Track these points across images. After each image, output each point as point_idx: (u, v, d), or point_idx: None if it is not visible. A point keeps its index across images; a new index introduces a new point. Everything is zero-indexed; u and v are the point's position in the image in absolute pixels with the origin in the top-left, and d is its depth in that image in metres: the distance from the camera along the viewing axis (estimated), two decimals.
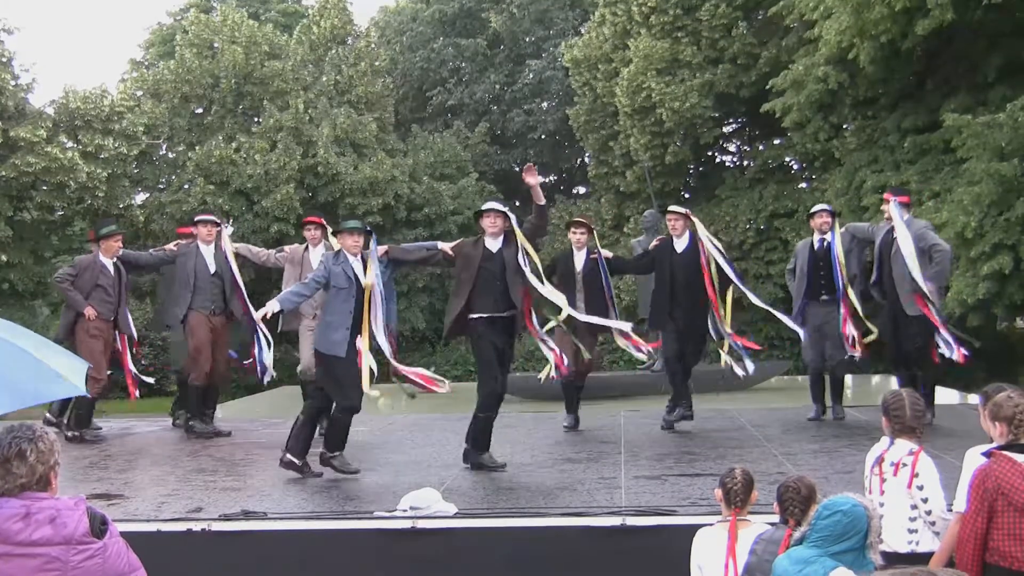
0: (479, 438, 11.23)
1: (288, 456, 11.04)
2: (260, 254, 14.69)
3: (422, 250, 12.06)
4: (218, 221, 14.33)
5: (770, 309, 13.98)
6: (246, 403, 17.55)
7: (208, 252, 13.98)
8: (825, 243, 13.80)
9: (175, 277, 14.09)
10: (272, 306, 11.25)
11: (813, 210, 14.33)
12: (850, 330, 13.49)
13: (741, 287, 13.40)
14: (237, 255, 14.22)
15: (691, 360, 13.63)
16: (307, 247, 14.05)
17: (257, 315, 11.94)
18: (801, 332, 13.79)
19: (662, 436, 13.38)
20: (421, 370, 11.52)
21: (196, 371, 13.90)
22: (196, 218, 14.51)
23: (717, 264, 13.12)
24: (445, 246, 11.69)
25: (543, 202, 11.56)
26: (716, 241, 13.36)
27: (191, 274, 13.79)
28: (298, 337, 14.26)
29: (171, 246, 14.44)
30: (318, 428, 11.51)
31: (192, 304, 13.78)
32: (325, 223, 14.02)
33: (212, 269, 13.90)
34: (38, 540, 4.45)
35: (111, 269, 13.63)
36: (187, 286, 13.81)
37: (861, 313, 13.59)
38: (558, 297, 11.63)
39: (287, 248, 14.62)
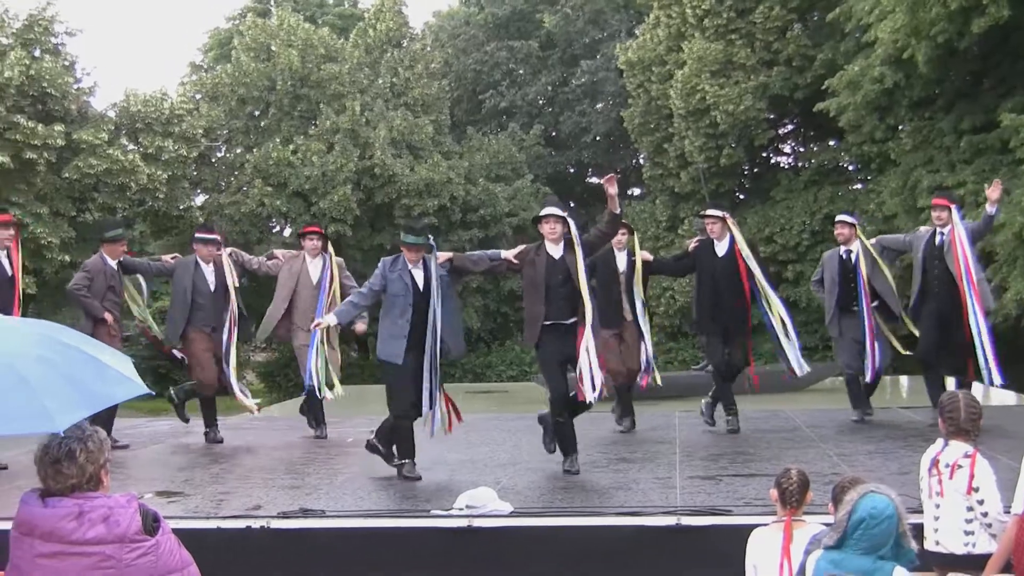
0: (561, 442, 11.09)
1: (373, 440, 11.09)
2: (252, 261, 14.46)
3: (486, 260, 11.77)
4: (220, 241, 14.04)
5: (784, 318, 13.66)
6: (294, 405, 17.62)
7: (208, 270, 13.69)
8: (851, 254, 13.71)
9: (173, 292, 13.98)
10: (329, 319, 11.28)
11: (836, 220, 14.24)
12: (875, 344, 13.41)
13: (771, 294, 13.23)
14: (234, 263, 14.05)
15: (736, 361, 13.51)
16: (304, 256, 13.91)
17: (312, 325, 11.96)
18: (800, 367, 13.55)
19: (717, 437, 13.32)
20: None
21: (200, 385, 13.88)
22: (197, 235, 14.16)
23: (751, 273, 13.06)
24: (508, 254, 11.41)
25: (619, 211, 11.15)
26: (747, 247, 13.27)
27: (188, 291, 13.57)
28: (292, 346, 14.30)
29: (168, 258, 14.26)
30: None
31: (191, 320, 13.58)
32: (326, 234, 13.85)
33: (212, 287, 13.66)
34: (91, 539, 4.45)
35: (117, 271, 13.62)
36: (184, 303, 13.60)
37: (884, 329, 13.51)
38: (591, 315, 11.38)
39: (278, 253, 14.45)
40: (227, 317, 13.68)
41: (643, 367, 13.71)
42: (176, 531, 4.72)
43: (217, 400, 14.19)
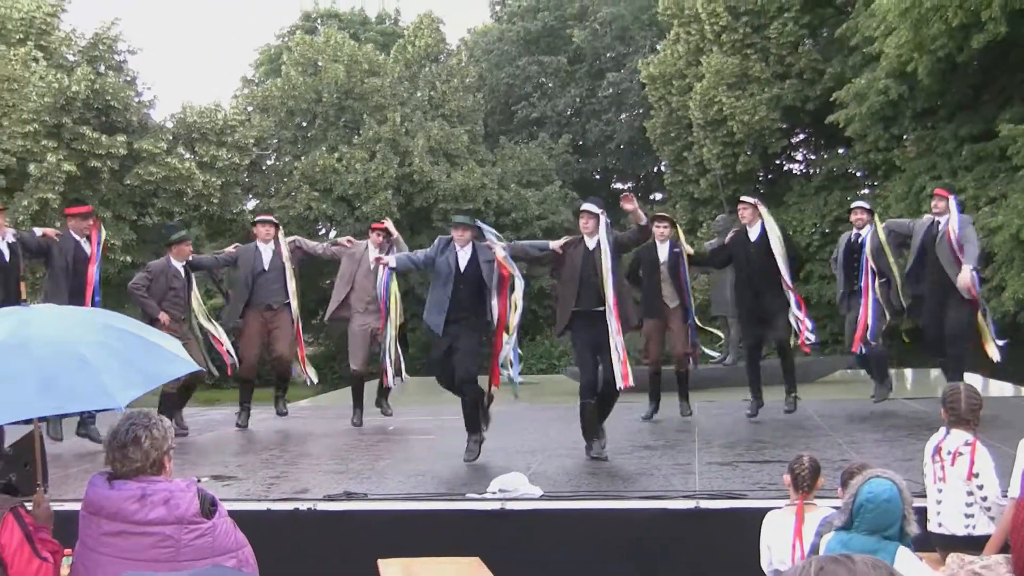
0: (585, 427, 11.12)
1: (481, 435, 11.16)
2: (316, 247, 14.71)
3: (535, 249, 11.86)
4: (276, 222, 14.31)
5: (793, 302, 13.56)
6: (344, 393, 17.65)
7: (266, 250, 13.91)
8: (860, 238, 13.61)
9: (236, 278, 14.16)
10: (390, 259, 11.75)
11: (852, 206, 14.13)
12: (868, 320, 13.28)
13: (787, 282, 13.16)
14: (295, 248, 14.26)
15: (779, 334, 13.36)
16: (368, 245, 13.97)
17: (383, 259, 12.26)
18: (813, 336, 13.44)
19: (734, 425, 13.30)
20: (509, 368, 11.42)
21: (241, 368, 14.04)
22: (256, 218, 14.61)
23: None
24: (555, 244, 11.49)
25: (644, 222, 11.26)
26: (778, 230, 13.23)
27: (248, 273, 13.79)
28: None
29: (230, 248, 14.50)
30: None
31: (249, 302, 13.77)
32: (389, 230, 13.94)
33: (267, 266, 13.83)
34: (153, 520, 4.48)
35: (182, 272, 13.61)
36: (245, 285, 13.80)
37: (884, 308, 13.38)
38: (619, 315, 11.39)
39: (342, 240, 14.57)
40: (289, 296, 13.89)
41: (692, 348, 13.76)
42: (229, 512, 4.75)
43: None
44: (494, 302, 11.02)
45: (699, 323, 13.97)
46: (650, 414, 13.90)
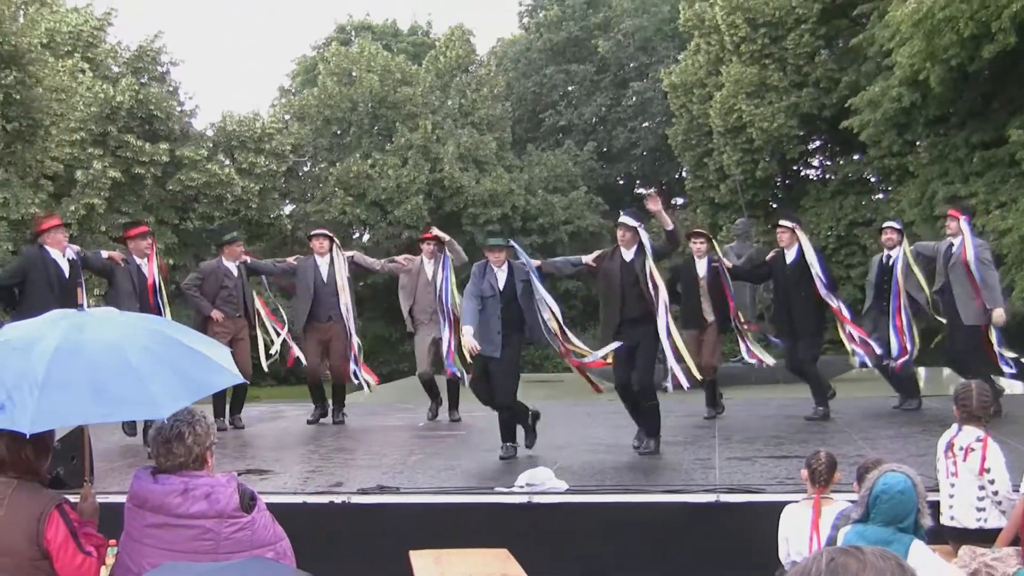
0: (639, 423, 11.14)
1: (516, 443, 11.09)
2: (374, 264, 14.68)
3: (568, 265, 11.82)
4: (330, 235, 14.17)
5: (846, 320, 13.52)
6: (378, 392, 17.69)
7: (323, 263, 13.85)
8: (891, 259, 13.55)
9: (297, 289, 14.12)
10: (468, 337, 10.79)
11: (883, 226, 14.06)
12: (899, 339, 13.23)
13: (826, 296, 13.11)
14: (351, 263, 14.27)
15: (808, 356, 13.35)
16: (422, 259, 13.97)
17: (465, 344, 11.16)
18: (868, 349, 13.36)
19: (753, 421, 13.27)
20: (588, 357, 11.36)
21: (308, 375, 14.10)
22: (311, 232, 14.39)
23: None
24: (588, 259, 11.41)
25: (671, 227, 11.04)
26: (812, 252, 13.18)
27: (310, 286, 13.74)
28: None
29: (292, 259, 14.40)
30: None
31: (310, 313, 13.73)
32: (439, 237, 13.97)
33: (326, 279, 13.77)
34: (195, 513, 4.50)
35: (234, 271, 13.58)
36: (307, 297, 13.74)
37: (915, 327, 13.32)
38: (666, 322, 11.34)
39: (399, 259, 14.54)
40: (342, 308, 13.81)
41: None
42: (268, 505, 4.76)
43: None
44: (545, 317, 10.94)
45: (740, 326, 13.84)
46: (712, 414, 13.79)
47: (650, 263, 10.83)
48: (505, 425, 11.03)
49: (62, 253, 11.87)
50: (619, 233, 11.07)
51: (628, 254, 10.98)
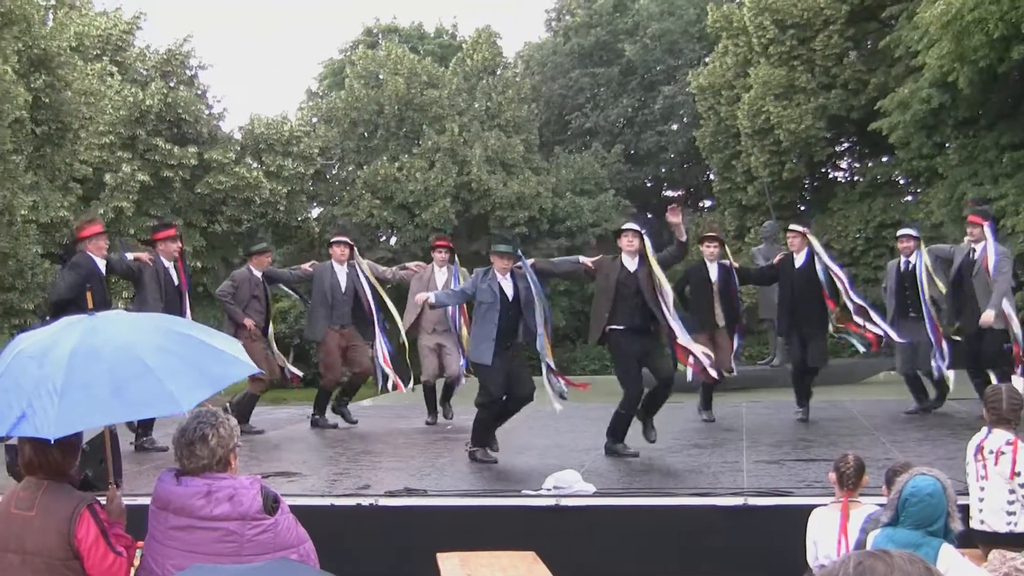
0: (617, 430, 11.12)
1: (469, 447, 11.10)
2: (385, 272, 14.64)
3: (566, 263, 11.93)
4: (350, 242, 14.16)
5: (877, 321, 13.49)
6: (399, 395, 17.58)
7: (341, 271, 13.83)
8: (910, 265, 13.52)
9: (314, 296, 14.09)
10: (429, 297, 11.26)
11: (899, 234, 14.06)
12: (944, 346, 13.25)
13: (853, 296, 13.12)
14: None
15: (814, 362, 13.37)
16: (434, 267, 13.99)
17: (418, 298, 12.07)
18: (895, 335, 13.34)
19: (780, 425, 13.26)
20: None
21: (326, 379, 14.09)
22: (331, 239, 14.33)
23: (831, 275, 12.97)
24: (586, 260, 11.47)
25: (684, 239, 11.24)
26: (825, 255, 13.19)
27: (327, 292, 13.73)
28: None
29: (307, 266, 14.37)
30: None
31: (328, 320, 13.72)
32: (452, 247, 14.04)
33: (343, 287, 13.77)
34: (218, 515, 4.51)
35: (262, 281, 13.72)
36: (324, 304, 13.73)
37: (941, 327, 13.31)
38: (678, 325, 11.35)
39: (411, 265, 14.58)
40: (363, 314, 13.89)
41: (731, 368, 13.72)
42: (293, 508, 4.77)
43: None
44: (539, 320, 10.90)
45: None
46: (709, 417, 13.81)
47: (657, 271, 10.86)
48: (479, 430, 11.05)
49: (103, 259, 11.93)
50: (626, 240, 11.06)
51: (631, 263, 10.97)
